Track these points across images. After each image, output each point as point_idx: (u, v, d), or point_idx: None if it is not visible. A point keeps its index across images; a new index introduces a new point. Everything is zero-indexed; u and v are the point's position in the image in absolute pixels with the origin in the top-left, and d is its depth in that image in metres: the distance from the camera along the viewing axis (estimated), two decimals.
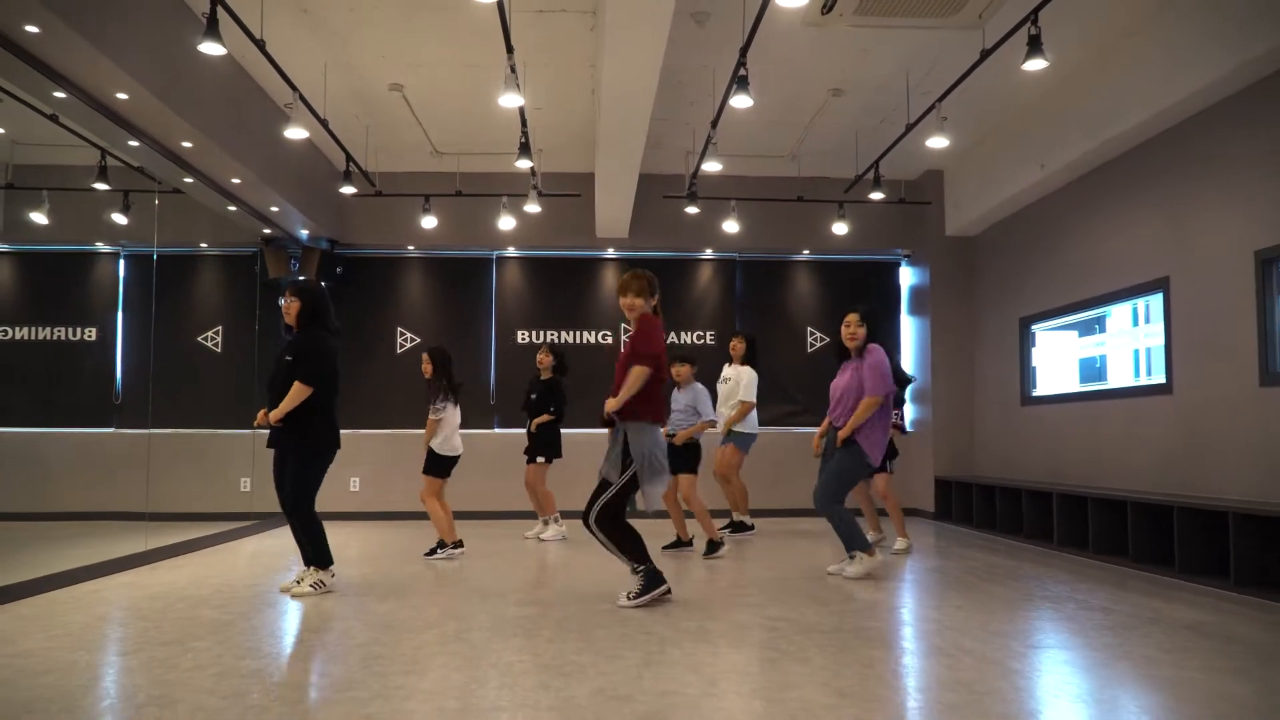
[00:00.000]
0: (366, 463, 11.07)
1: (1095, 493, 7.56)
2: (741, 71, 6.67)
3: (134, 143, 7.42)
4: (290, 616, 5.19)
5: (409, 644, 4.41)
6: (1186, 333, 7.29)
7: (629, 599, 5.35)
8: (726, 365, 9.21)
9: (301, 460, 5.92)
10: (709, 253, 11.73)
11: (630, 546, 5.44)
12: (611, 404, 5.43)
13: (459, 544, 7.67)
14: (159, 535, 8.05)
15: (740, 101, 6.75)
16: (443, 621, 4.97)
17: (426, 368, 7.71)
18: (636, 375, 5.38)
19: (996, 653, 4.25)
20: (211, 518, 9.94)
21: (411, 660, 4.09)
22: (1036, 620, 5.11)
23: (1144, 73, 7.32)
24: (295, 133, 7.49)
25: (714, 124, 8.20)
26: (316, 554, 6.01)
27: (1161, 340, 7.64)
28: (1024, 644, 4.49)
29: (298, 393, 5.81)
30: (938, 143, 7.95)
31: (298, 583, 5.93)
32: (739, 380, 8.90)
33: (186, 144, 7.60)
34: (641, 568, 5.40)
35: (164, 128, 7.24)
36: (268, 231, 10.47)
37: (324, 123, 8.16)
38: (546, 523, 8.97)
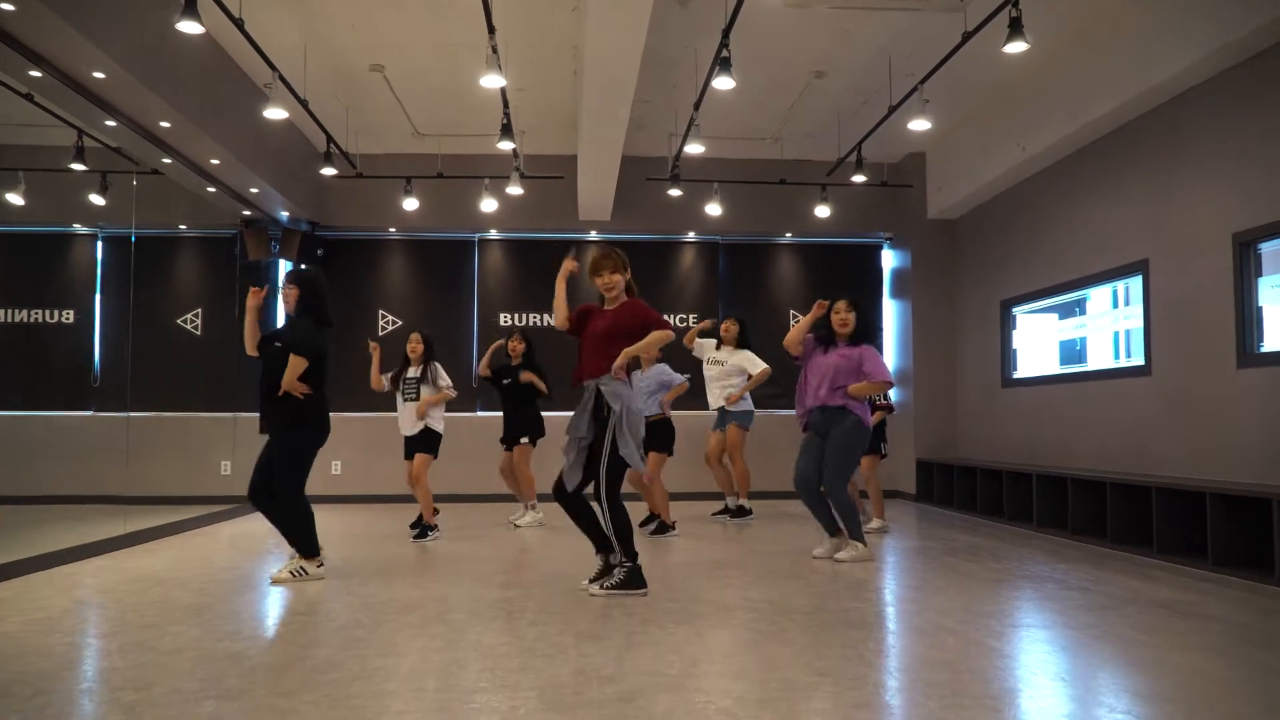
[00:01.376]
0: (349, 446, 11.02)
1: (1075, 474, 7.60)
2: (724, 53, 6.65)
3: (111, 122, 7.35)
4: (270, 600, 5.17)
5: (390, 626, 4.40)
6: (1165, 315, 7.33)
7: (603, 587, 5.20)
8: (715, 347, 9.18)
9: (295, 444, 5.89)
10: (692, 235, 11.72)
11: (629, 537, 5.26)
12: (629, 350, 5.20)
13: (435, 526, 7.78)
14: (138, 519, 8.01)
15: (722, 83, 6.72)
16: (424, 604, 4.96)
17: (418, 348, 7.73)
18: (661, 337, 5.32)
19: (977, 632, 4.27)
20: (191, 501, 9.89)
21: (392, 643, 4.08)
22: (1017, 600, 5.13)
23: (1121, 57, 7.34)
24: (275, 113, 7.43)
25: (696, 106, 8.18)
26: (305, 542, 5.92)
27: (1140, 322, 7.68)
28: (1004, 623, 4.52)
29: (297, 363, 5.77)
30: (920, 125, 7.97)
31: (289, 573, 5.86)
32: (738, 361, 8.93)
33: (164, 124, 7.53)
34: (630, 565, 5.24)
35: (141, 107, 7.16)
36: (247, 213, 10.39)
37: (304, 103, 8.09)
38: (528, 508, 8.94)
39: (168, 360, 11.14)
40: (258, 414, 6.10)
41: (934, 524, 8.81)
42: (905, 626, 4.47)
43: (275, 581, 5.72)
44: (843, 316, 6.68)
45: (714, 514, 9.35)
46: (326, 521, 9.13)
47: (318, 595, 5.27)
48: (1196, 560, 6.20)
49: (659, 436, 7.96)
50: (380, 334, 11.42)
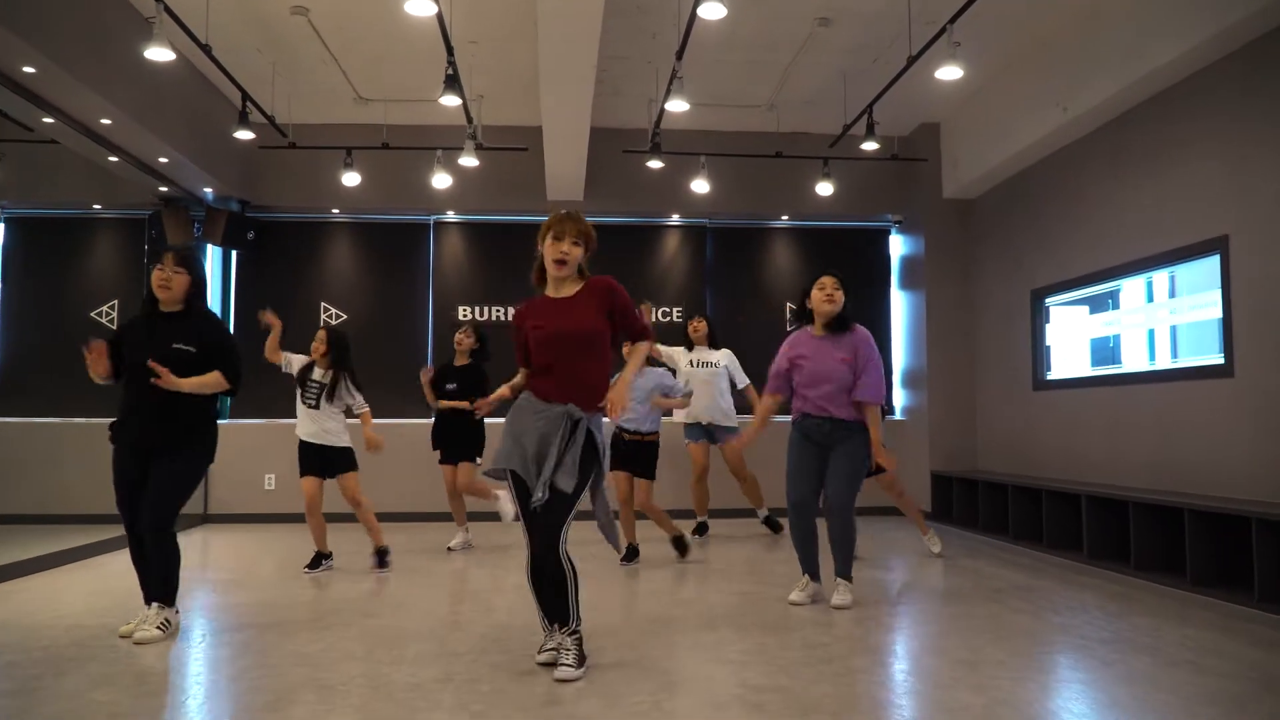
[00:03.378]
0: (283, 457, 9.57)
1: (1137, 497, 6.25)
2: None
3: None
4: (92, 687, 3.76)
5: None
6: (1253, 302, 5.98)
7: (576, 666, 3.79)
8: (686, 349, 8.10)
9: (192, 468, 4.70)
10: (676, 218, 10.37)
11: (577, 593, 3.93)
12: (621, 392, 3.91)
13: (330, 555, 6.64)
14: (23, 544, 6.72)
15: (711, 10, 5.39)
16: (297, 693, 3.59)
17: (320, 348, 6.40)
18: (645, 350, 4.15)
19: None
20: (98, 520, 8.52)
21: None
22: (1113, 686, 3.77)
23: None
24: (159, 54, 5.99)
25: (679, 54, 6.83)
26: (171, 586, 4.68)
27: (1216, 312, 6.35)
28: None
29: (217, 383, 4.63)
30: (950, 73, 6.57)
31: (158, 627, 4.60)
32: (727, 364, 8.03)
33: (28, 69, 6.14)
34: (579, 626, 3.93)
35: None
36: (165, 190, 9.00)
37: (206, 48, 6.68)
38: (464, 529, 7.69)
39: (80, 359, 9.72)
40: (121, 430, 4.69)
41: (959, 551, 7.49)
42: None
43: (141, 642, 4.45)
44: (829, 293, 5.34)
45: (695, 533, 8.18)
46: (261, 545, 7.83)
47: (163, 679, 3.91)
48: None
49: (644, 459, 6.81)
50: (338, 331, 10.00)
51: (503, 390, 4.52)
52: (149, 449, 4.60)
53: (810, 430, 5.34)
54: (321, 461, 6.44)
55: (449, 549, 7.54)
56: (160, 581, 4.65)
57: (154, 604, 4.63)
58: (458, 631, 4.71)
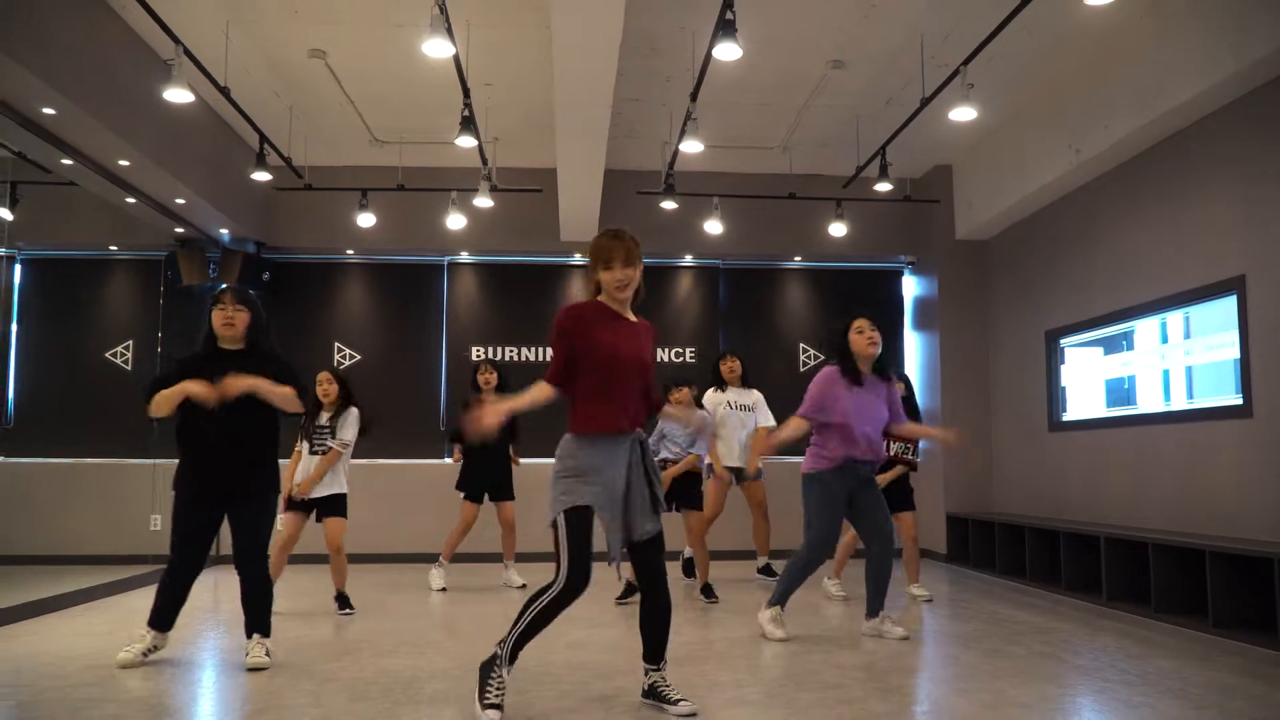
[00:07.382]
0: None
1: (1159, 539, 6.18)
2: (728, 14, 5.36)
3: None
4: None
5: None
6: (1271, 342, 5.95)
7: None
8: (719, 390, 7.83)
9: (268, 505, 4.95)
10: (689, 259, 10.40)
11: None
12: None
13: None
14: (37, 584, 6.77)
15: (726, 51, 5.43)
16: None
17: (333, 389, 6.40)
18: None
19: None
20: (114, 560, 8.50)
21: None
22: None
23: (1215, 26, 6.03)
24: (177, 95, 6.07)
25: (693, 96, 6.90)
26: (269, 618, 4.93)
27: (1233, 353, 6.33)
28: None
29: (289, 398, 4.79)
30: (963, 114, 6.60)
31: (265, 654, 4.81)
32: (759, 407, 7.80)
33: (48, 110, 6.21)
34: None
35: (12, 87, 5.86)
36: (181, 231, 9.07)
37: (225, 91, 6.77)
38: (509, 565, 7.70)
39: (95, 398, 9.79)
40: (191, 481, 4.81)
41: (975, 594, 7.39)
42: None
43: (255, 668, 4.69)
44: (869, 336, 5.36)
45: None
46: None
47: (178, 716, 3.87)
48: None
49: (690, 494, 7.05)
50: (338, 369, 10.00)
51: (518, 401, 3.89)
52: (221, 494, 4.77)
53: (851, 474, 5.34)
54: (315, 504, 6.44)
55: (440, 589, 7.51)
56: (261, 615, 4.88)
57: (255, 635, 4.84)
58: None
